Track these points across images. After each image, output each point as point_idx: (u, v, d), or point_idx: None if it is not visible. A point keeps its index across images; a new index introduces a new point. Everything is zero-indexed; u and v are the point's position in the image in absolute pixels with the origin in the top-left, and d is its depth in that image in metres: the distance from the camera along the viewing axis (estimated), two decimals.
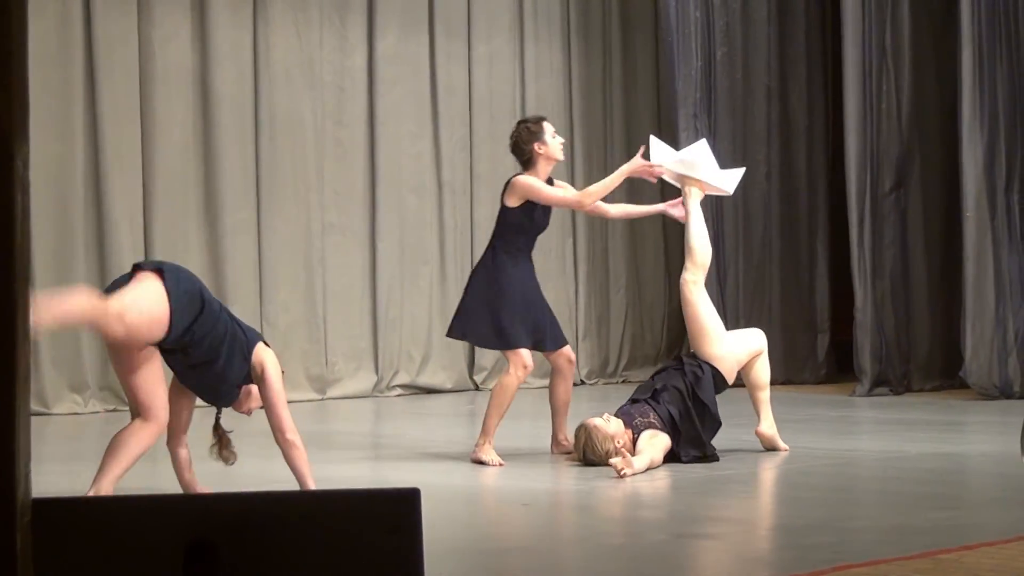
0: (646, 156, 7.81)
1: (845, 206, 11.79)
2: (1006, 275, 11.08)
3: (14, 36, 2.30)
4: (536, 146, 7.63)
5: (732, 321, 12.64)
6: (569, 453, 7.65)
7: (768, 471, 7.32)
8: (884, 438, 8.83)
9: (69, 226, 10.54)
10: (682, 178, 7.87)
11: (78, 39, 10.61)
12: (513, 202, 7.71)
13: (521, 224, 7.72)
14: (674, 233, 13.40)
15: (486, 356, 12.47)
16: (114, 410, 10.64)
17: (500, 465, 7.37)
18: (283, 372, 6.26)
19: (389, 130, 12.03)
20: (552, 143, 7.66)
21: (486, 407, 7.61)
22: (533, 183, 7.61)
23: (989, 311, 11.02)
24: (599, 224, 13.17)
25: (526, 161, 7.71)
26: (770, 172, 12.85)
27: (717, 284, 12.61)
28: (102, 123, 10.69)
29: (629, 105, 13.37)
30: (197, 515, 2.88)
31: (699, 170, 7.74)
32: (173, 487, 6.28)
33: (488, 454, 7.45)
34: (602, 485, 6.83)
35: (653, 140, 7.93)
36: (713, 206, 12.53)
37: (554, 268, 12.94)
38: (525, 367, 7.54)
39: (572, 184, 13.03)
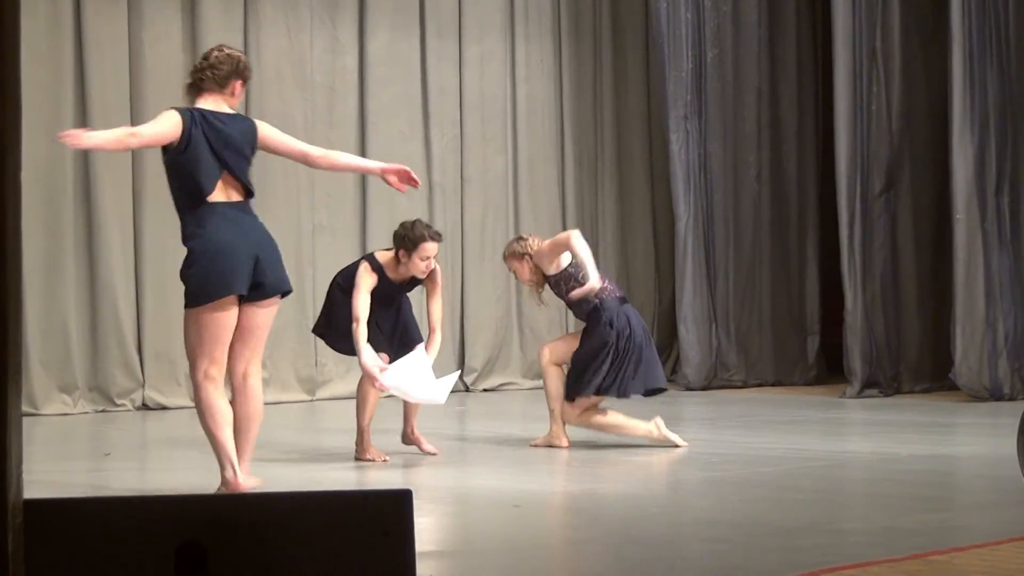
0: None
1: (835, 208, 11.80)
2: (996, 277, 11.10)
3: (7, 37, 2.29)
4: (402, 253, 7.64)
5: (723, 323, 12.66)
6: (419, 448, 7.92)
7: (758, 473, 7.31)
8: (874, 440, 8.83)
9: (59, 226, 10.53)
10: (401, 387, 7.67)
11: (68, 39, 10.59)
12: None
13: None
14: (665, 235, 13.40)
15: (476, 358, 12.48)
16: (103, 411, 10.63)
17: (384, 460, 7.66)
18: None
19: (380, 131, 12.02)
20: (416, 264, 7.63)
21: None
22: (362, 285, 7.57)
23: (979, 313, 11.03)
24: (589, 224, 13.17)
25: (396, 246, 7.69)
26: (760, 174, 12.86)
27: (707, 286, 12.63)
28: (92, 123, 10.66)
29: (620, 107, 13.37)
30: (188, 516, 2.88)
31: (412, 393, 7.59)
32: (162, 489, 6.27)
33: (370, 452, 7.73)
34: (593, 487, 6.83)
35: (414, 353, 7.66)
36: (703, 208, 12.54)
37: None
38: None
39: (563, 190, 13.07)
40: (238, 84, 6.24)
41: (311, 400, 11.56)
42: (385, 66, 12.10)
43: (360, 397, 7.80)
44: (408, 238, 7.60)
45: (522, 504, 6.38)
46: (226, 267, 6.06)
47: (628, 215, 13.41)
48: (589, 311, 8.08)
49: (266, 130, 6.33)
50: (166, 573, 2.81)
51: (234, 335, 6.18)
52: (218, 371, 6.14)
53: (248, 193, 6.23)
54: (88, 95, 10.65)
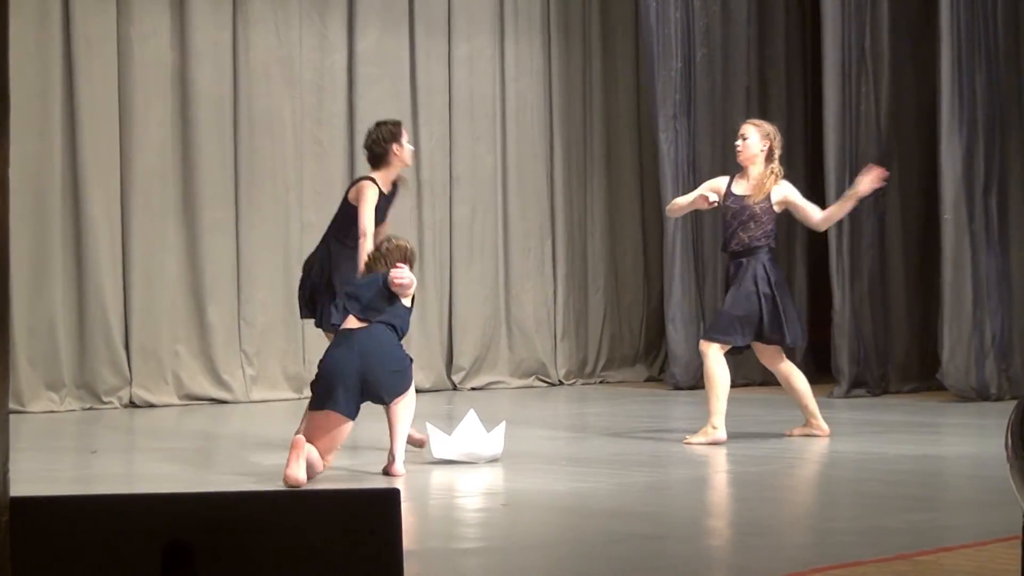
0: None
1: (823, 208, 11.79)
2: (983, 278, 11.11)
3: None
4: (394, 147, 7.83)
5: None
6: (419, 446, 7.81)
7: (746, 472, 7.32)
8: (862, 440, 8.84)
9: (46, 224, 10.51)
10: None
11: (57, 37, 10.57)
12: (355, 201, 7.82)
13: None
14: (654, 234, 13.41)
15: (464, 356, 12.47)
16: (90, 408, 10.61)
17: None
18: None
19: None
20: (407, 147, 7.89)
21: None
22: (367, 196, 7.71)
23: (966, 313, 11.05)
24: (578, 224, 13.18)
25: (379, 158, 7.84)
26: None
27: (696, 285, 12.63)
28: (80, 121, 10.65)
29: (609, 105, 13.37)
30: (176, 514, 2.87)
31: (481, 453, 7.45)
32: (150, 487, 6.26)
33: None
34: (582, 486, 6.83)
35: (431, 430, 7.61)
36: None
37: (533, 268, 12.96)
38: None
39: (552, 188, 13.08)
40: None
41: (299, 398, 11.53)
42: (374, 64, 12.09)
43: None
44: (388, 132, 7.85)
45: (511, 503, 6.38)
46: None
47: (617, 214, 13.41)
48: (768, 249, 8.87)
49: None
50: (153, 571, 2.80)
51: None
52: None
53: None
54: (77, 92, 10.62)
